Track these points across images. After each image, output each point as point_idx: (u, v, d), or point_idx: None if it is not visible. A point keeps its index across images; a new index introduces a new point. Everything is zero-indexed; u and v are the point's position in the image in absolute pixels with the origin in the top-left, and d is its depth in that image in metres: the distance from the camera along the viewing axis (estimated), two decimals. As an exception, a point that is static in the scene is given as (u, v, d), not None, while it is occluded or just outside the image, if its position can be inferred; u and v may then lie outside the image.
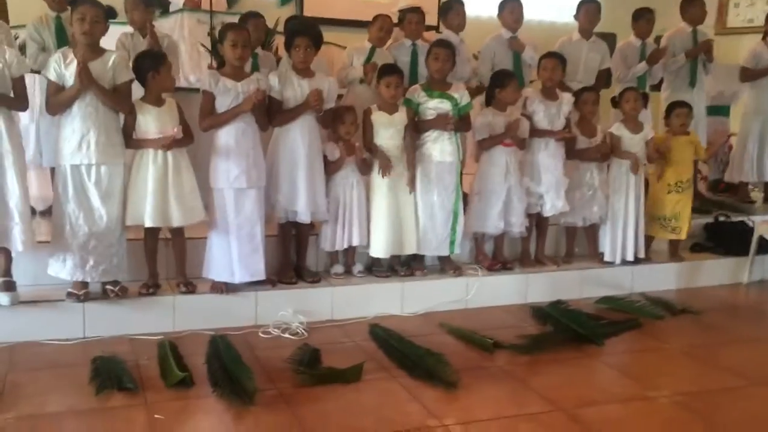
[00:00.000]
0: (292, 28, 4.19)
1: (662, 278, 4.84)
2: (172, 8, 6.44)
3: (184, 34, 6.04)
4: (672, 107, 4.92)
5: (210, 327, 3.65)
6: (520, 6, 5.22)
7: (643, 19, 5.64)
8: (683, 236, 4.84)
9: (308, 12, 8.29)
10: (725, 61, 6.24)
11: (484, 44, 5.32)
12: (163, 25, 6.17)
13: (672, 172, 4.81)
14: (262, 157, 3.85)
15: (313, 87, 3.88)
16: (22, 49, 4.41)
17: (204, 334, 3.56)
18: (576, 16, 5.44)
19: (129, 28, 4.58)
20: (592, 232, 4.82)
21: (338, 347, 3.58)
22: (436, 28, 8.56)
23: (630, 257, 4.72)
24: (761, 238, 4.99)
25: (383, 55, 4.67)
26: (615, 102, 4.90)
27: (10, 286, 3.42)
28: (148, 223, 3.58)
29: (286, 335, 3.67)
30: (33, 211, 4.17)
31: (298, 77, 3.90)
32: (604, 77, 5.50)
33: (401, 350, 3.48)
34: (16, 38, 4.60)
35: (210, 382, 3.03)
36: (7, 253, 3.44)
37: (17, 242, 3.34)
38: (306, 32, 3.91)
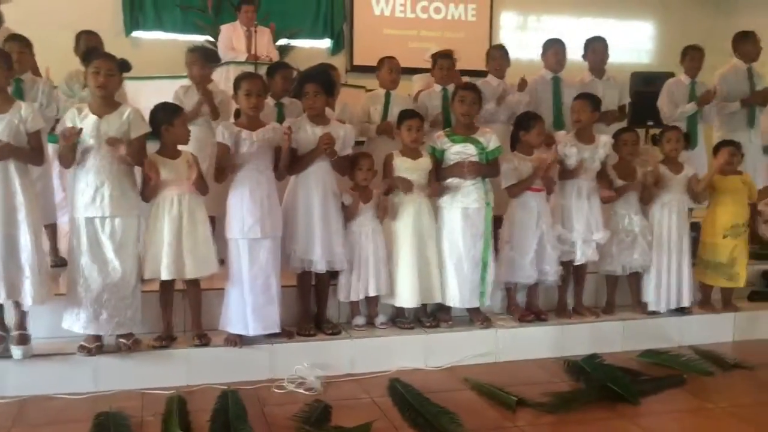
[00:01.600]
0: (302, 75, 4.17)
1: (715, 330, 4.50)
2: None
3: (228, 86, 6.19)
4: (719, 146, 4.64)
5: (224, 381, 3.56)
6: (564, 48, 5.13)
7: (688, 56, 5.43)
8: (741, 284, 4.51)
9: (358, 60, 8.47)
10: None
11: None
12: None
13: (727, 216, 4.51)
14: (278, 207, 3.79)
15: (327, 134, 3.85)
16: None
17: (217, 389, 3.47)
18: (584, 56, 5.29)
19: (187, 81, 4.65)
20: (634, 280, 4.52)
21: (352, 403, 3.43)
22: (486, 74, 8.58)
23: (677, 306, 4.41)
24: (827, 286, 4.59)
25: (399, 99, 4.62)
26: (655, 140, 4.65)
27: (24, 340, 3.42)
28: (165, 276, 3.55)
29: (300, 390, 3.54)
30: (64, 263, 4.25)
31: (312, 125, 3.86)
32: (623, 114, 5.34)
33: (416, 408, 3.30)
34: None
35: (208, 440, 2.93)
36: (21, 307, 3.45)
37: (27, 296, 3.34)
38: (313, 78, 3.88)
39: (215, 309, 3.77)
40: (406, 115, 4.09)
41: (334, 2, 8.47)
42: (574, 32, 8.94)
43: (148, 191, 3.55)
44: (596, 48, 5.29)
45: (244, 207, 3.64)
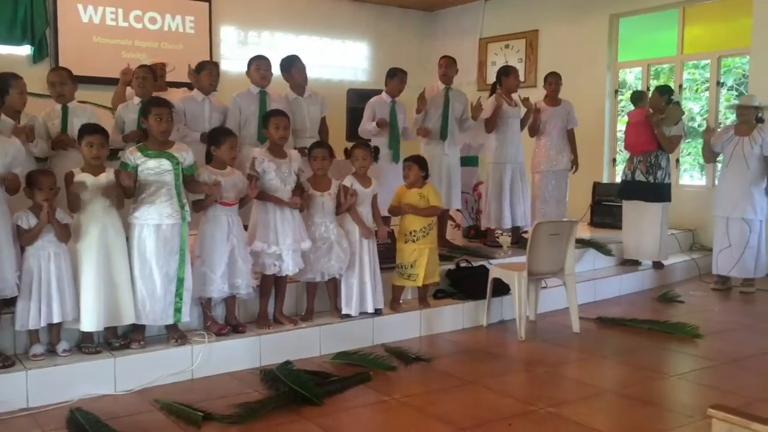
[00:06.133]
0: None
1: (405, 327, 4.89)
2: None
3: None
4: (405, 161, 5.08)
5: None
6: (268, 63, 5.36)
7: (397, 78, 5.87)
8: (419, 283, 4.94)
9: (64, 70, 7.85)
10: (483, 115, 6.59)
11: (231, 101, 5.33)
12: None
13: (408, 223, 4.92)
14: (-68, 231, 3.40)
15: (-10, 150, 3.55)
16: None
17: None
18: (285, 76, 5.57)
19: None
20: (332, 286, 4.76)
21: (21, 441, 3.18)
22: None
23: (370, 309, 4.72)
24: (497, 281, 5.20)
25: (80, 111, 4.43)
26: (348, 154, 4.94)
27: None
28: None
29: (-41, 434, 3.20)
30: None
31: (-32, 139, 3.52)
32: (325, 127, 5.71)
33: (93, 437, 3.14)
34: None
35: None
36: None
37: None
38: None
39: None
40: (86, 129, 3.89)
41: (34, 6, 7.79)
42: (292, 49, 9.35)
43: None
44: (299, 67, 5.57)
45: None
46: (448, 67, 6.18)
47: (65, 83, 4.43)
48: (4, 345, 3.74)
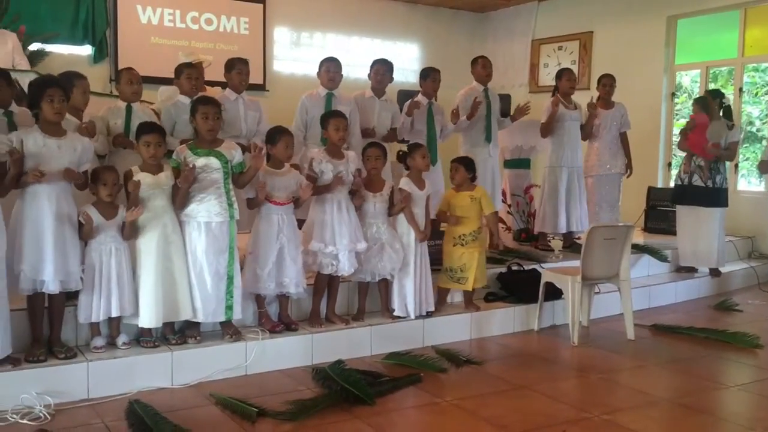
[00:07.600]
0: (39, 81, 3.85)
1: (455, 330, 4.87)
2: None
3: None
4: (453, 163, 5.05)
5: (-67, 419, 3.23)
6: (337, 65, 5.38)
7: (431, 77, 5.84)
8: (469, 287, 4.90)
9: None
10: (538, 117, 6.52)
11: (300, 101, 5.41)
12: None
13: (457, 226, 4.89)
14: (3, 224, 3.51)
15: (63, 146, 3.66)
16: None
17: (-76, 428, 3.14)
18: (369, 75, 5.58)
19: None
20: (383, 286, 4.77)
21: (81, 430, 3.26)
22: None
23: (421, 311, 4.71)
24: (549, 285, 5.14)
25: (141, 112, 4.51)
26: (401, 157, 4.94)
27: None
28: None
29: (25, 421, 3.29)
30: None
31: (45, 135, 3.63)
32: (394, 135, 5.67)
33: (151, 428, 3.21)
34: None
35: None
36: None
37: None
38: (56, 83, 3.69)
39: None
40: (144, 129, 3.98)
41: (95, 7, 8.03)
42: (344, 50, 9.45)
43: None
44: (378, 69, 5.61)
45: (-43, 225, 3.33)
46: (486, 67, 6.10)
47: (139, 82, 4.54)
48: (66, 337, 3.85)
